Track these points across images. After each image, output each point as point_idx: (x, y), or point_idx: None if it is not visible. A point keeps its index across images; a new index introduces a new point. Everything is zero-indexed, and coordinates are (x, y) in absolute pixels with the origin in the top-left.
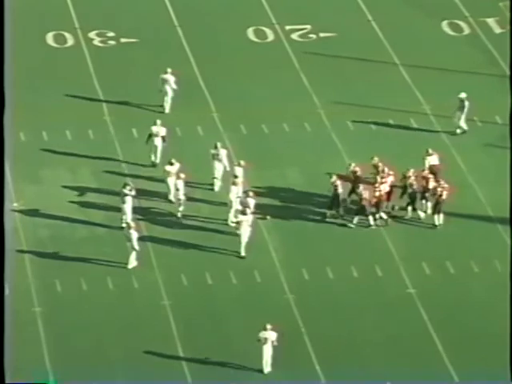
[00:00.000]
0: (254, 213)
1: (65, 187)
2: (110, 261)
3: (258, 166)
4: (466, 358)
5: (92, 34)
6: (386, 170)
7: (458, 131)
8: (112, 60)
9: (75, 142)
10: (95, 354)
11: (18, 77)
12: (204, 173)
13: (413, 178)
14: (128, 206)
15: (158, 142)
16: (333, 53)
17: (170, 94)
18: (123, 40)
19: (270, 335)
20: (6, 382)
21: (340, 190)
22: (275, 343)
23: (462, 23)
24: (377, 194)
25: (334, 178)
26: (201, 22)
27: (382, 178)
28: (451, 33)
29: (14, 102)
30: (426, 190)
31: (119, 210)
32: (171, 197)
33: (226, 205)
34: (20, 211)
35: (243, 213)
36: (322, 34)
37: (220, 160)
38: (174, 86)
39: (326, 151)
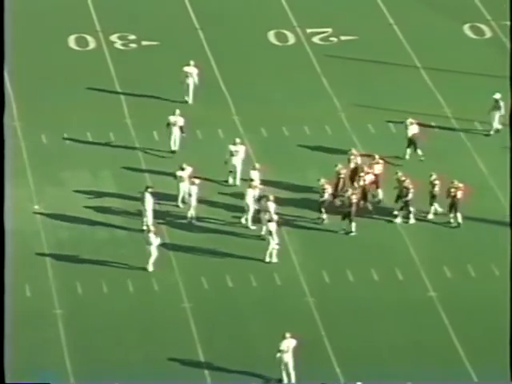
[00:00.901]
0: (269, 219)
1: (85, 189)
2: (130, 263)
3: (278, 168)
4: (488, 361)
5: (113, 37)
6: (377, 157)
7: (492, 132)
8: (133, 63)
9: (96, 145)
10: (115, 356)
11: (39, 80)
12: (224, 176)
13: (408, 181)
14: (149, 208)
15: (176, 131)
16: (354, 56)
17: (192, 86)
18: (144, 43)
19: (290, 343)
20: (6, 382)
21: (326, 195)
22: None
23: (483, 26)
24: (361, 183)
25: (323, 181)
26: (222, 25)
27: (370, 166)
28: (473, 36)
29: (35, 104)
30: (433, 195)
31: (140, 212)
32: (179, 202)
33: (243, 208)
34: (41, 213)
35: (270, 220)
36: (343, 37)
37: (237, 156)
38: (196, 79)
39: (347, 155)
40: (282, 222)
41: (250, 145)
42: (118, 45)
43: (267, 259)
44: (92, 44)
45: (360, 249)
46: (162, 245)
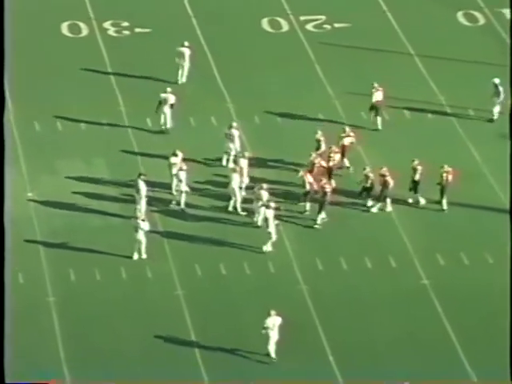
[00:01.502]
0: (267, 205)
1: (79, 177)
2: (123, 251)
3: (271, 156)
4: (481, 349)
5: (107, 24)
6: (347, 129)
7: (495, 117)
8: (126, 50)
9: (90, 133)
10: (109, 343)
11: (32, 67)
12: (216, 164)
13: (371, 175)
14: (142, 195)
15: (166, 109)
16: (347, 43)
17: (185, 67)
18: (138, 30)
19: (276, 320)
20: (6, 382)
21: (308, 186)
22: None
23: (477, 13)
24: (330, 163)
25: (301, 172)
26: (215, 13)
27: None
28: (466, 23)
29: (28, 92)
30: (385, 186)
31: (133, 200)
32: (173, 189)
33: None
34: (34, 201)
35: (268, 207)
36: (336, 25)
37: (232, 140)
38: (187, 61)
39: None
40: (278, 210)
41: (243, 132)
42: (111, 32)
43: (265, 248)
44: (85, 31)
45: (353, 237)
46: (156, 232)
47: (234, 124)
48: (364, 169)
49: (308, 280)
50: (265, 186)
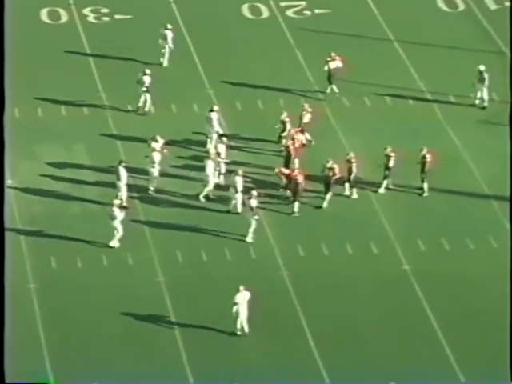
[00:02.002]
0: (242, 192)
1: (59, 164)
2: (104, 238)
3: (253, 142)
4: (461, 334)
5: (86, 11)
6: (306, 106)
7: (477, 102)
8: (106, 36)
9: (70, 119)
10: (90, 330)
11: (12, 53)
12: (198, 151)
13: (335, 166)
14: (123, 182)
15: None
16: (328, 29)
17: (167, 49)
18: (117, 16)
19: (245, 295)
20: (6, 382)
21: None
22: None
23: None
24: (296, 145)
25: (276, 169)
26: None
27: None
28: (446, 9)
29: (8, 78)
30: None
31: (114, 186)
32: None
33: (224, 185)
34: (14, 188)
35: (250, 197)
36: (316, 11)
37: (210, 123)
38: (170, 43)
39: (322, 129)
40: (259, 197)
41: (224, 117)
42: (91, 18)
43: (249, 239)
44: (64, 17)
45: (335, 223)
46: (137, 220)
47: (215, 107)
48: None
49: (289, 266)
50: (240, 172)
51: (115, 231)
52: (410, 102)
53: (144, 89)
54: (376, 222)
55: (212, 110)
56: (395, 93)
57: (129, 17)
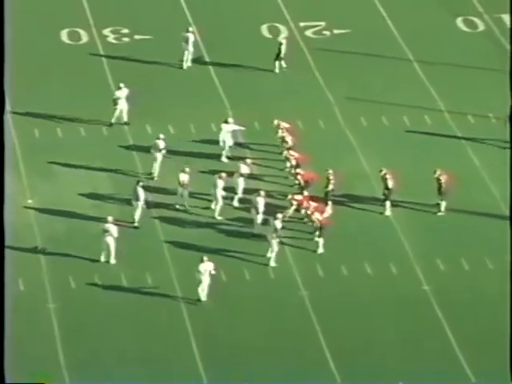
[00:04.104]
0: (264, 213)
1: (79, 183)
2: (124, 257)
3: (271, 163)
4: (481, 355)
5: (106, 31)
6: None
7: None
8: (126, 57)
9: (89, 139)
10: (110, 351)
11: (32, 74)
12: (219, 166)
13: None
14: (140, 202)
15: (122, 104)
16: (347, 49)
17: (190, 52)
18: (137, 37)
19: (208, 266)
20: (7, 382)
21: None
22: (213, 272)
23: (476, 19)
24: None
25: (290, 196)
26: (215, 19)
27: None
28: (466, 29)
29: (28, 99)
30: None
31: (133, 207)
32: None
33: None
34: (34, 207)
35: (275, 218)
36: (336, 31)
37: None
38: (191, 47)
39: (340, 148)
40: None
41: (245, 138)
42: (111, 39)
43: (272, 264)
44: (84, 38)
45: (353, 242)
46: (156, 239)
47: (230, 119)
48: (380, 171)
49: (308, 286)
50: (262, 192)
51: (111, 248)
52: (429, 121)
53: (122, 102)
54: (395, 241)
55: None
56: (414, 113)
57: (148, 37)
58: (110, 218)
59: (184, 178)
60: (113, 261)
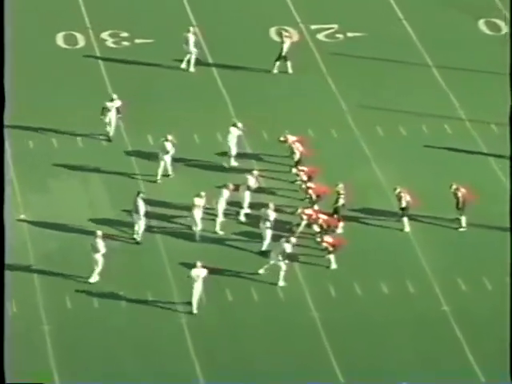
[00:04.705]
0: (273, 227)
1: (75, 198)
2: (122, 275)
3: (280, 175)
4: (503, 380)
5: (105, 35)
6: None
7: None
8: (126, 62)
9: (87, 150)
10: (108, 376)
11: (25, 80)
12: (224, 180)
13: (403, 195)
14: (141, 215)
15: (112, 116)
16: (361, 54)
17: (190, 54)
18: (138, 41)
19: (201, 272)
20: (7, 382)
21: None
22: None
23: (499, 22)
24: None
25: (300, 210)
26: (220, 22)
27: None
28: (488, 32)
29: (22, 107)
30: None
31: (132, 219)
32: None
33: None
34: (28, 223)
35: (288, 241)
36: (349, 34)
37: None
38: (191, 48)
39: (354, 159)
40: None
41: (252, 149)
42: (110, 43)
43: (281, 283)
44: (81, 42)
45: (368, 260)
46: (157, 256)
47: (239, 124)
48: (394, 189)
49: (320, 307)
50: (272, 205)
51: (95, 265)
52: (449, 131)
53: (111, 114)
54: (413, 258)
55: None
56: (433, 121)
57: (150, 41)
58: (98, 233)
59: (199, 202)
60: (93, 279)
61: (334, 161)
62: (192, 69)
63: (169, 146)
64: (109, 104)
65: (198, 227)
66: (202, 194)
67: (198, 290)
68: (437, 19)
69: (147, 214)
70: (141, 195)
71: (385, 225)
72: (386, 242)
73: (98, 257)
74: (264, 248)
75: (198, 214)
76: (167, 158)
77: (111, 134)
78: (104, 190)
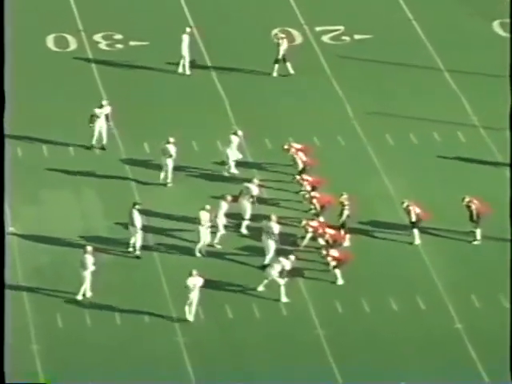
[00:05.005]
0: (277, 240)
1: (67, 209)
2: (117, 292)
3: (284, 185)
4: None
5: (97, 37)
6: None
7: None
8: (120, 66)
9: (79, 159)
10: None
11: (14, 85)
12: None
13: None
14: (137, 228)
15: (102, 123)
16: (369, 57)
17: (186, 57)
18: (132, 43)
19: (197, 280)
20: (6, 382)
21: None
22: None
23: None
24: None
25: (304, 222)
26: (220, 23)
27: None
28: (503, 33)
29: (10, 113)
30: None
31: (128, 234)
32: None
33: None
34: (17, 236)
35: (288, 258)
36: (356, 36)
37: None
38: (185, 50)
39: (362, 169)
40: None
41: (253, 157)
42: (103, 45)
43: (284, 299)
44: (73, 44)
45: (376, 274)
46: (153, 272)
47: (239, 132)
48: (402, 203)
49: (325, 324)
50: (274, 217)
51: (84, 282)
52: (463, 138)
53: (100, 121)
54: (423, 273)
55: (235, 134)
56: (445, 128)
57: (145, 43)
58: (88, 248)
59: (205, 216)
60: (80, 296)
61: (341, 170)
62: (188, 71)
63: (172, 149)
64: (97, 111)
65: (201, 243)
66: (208, 207)
67: (194, 300)
68: (448, 20)
69: (143, 227)
70: (136, 207)
71: (394, 238)
72: (395, 255)
73: (87, 274)
74: (267, 261)
75: (203, 230)
76: (169, 162)
77: (104, 141)
78: (97, 200)
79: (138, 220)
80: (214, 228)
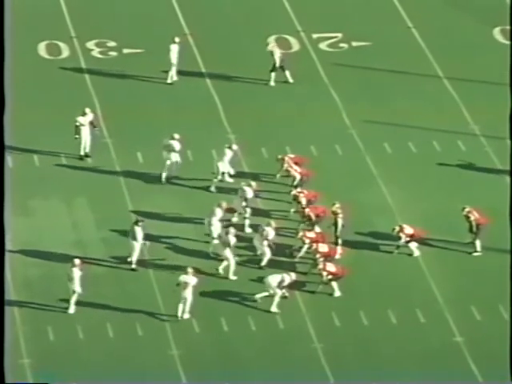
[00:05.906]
0: (271, 246)
1: (58, 220)
2: (110, 304)
3: (280, 196)
4: None
5: (90, 44)
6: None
7: None
8: (113, 74)
9: (71, 168)
10: None
11: (5, 93)
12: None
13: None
14: (138, 243)
15: (85, 132)
16: (367, 64)
17: (173, 65)
18: (126, 51)
19: (190, 279)
20: (6, 382)
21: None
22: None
23: None
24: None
25: (301, 233)
26: (215, 29)
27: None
28: (504, 41)
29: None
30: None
31: (121, 246)
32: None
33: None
34: (6, 248)
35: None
36: (354, 43)
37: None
38: (173, 59)
39: (360, 178)
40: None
41: (249, 168)
42: (96, 53)
43: (274, 309)
44: (65, 52)
45: (375, 287)
46: (147, 283)
47: (234, 146)
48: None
49: (323, 338)
50: (273, 223)
51: (73, 295)
52: (463, 147)
53: (85, 130)
54: (423, 285)
55: (229, 148)
56: (445, 137)
57: (139, 51)
58: (76, 261)
59: (219, 213)
60: (72, 310)
61: (338, 180)
62: (175, 77)
63: (176, 144)
64: (81, 119)
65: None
66: (223, 204)
67: (188, 298)
68: (448, 27)
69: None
70: (139, 223)
71: (393, 249)
72: (393, 267)
73: (76, 286)
74: (264, 263)
75: (216, 228)
76: (174, 157)
77: (87, 150)
78: (89, 210)
79: (140, 236)
80: (207, 235)
